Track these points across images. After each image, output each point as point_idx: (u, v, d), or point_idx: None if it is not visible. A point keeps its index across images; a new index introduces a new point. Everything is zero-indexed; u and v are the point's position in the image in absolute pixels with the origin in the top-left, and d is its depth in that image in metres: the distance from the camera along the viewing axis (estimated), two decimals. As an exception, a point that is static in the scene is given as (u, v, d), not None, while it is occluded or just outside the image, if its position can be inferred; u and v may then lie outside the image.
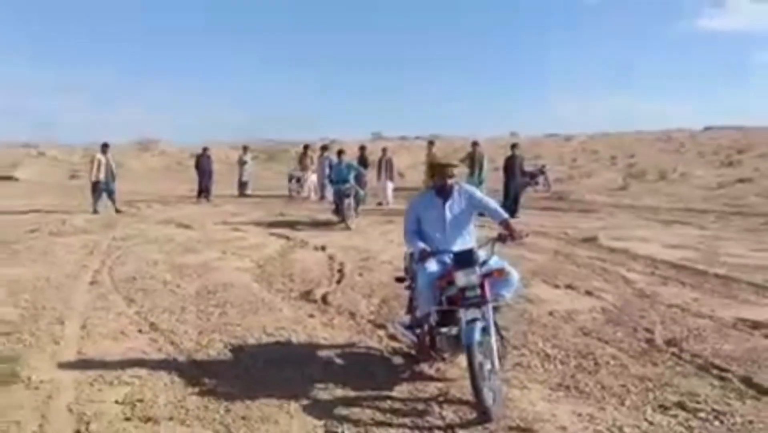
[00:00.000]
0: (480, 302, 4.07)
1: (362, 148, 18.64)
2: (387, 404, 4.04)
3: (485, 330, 3.97)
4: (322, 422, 3.77)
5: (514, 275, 4.36)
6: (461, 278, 4.10)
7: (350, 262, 8.77)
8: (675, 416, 3.84)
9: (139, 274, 8.04)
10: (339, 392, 4.23)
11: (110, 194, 15.52)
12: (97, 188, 15.36)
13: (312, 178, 19.48)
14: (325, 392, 4.22)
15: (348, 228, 12.26)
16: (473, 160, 15.41)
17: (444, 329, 4.33)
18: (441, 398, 4.10)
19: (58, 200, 18.60)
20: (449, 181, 4.57)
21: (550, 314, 6.13)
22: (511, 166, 14.88)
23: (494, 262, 4.31)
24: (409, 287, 4.88)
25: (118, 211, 15.19)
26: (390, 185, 17.32)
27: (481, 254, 4.26)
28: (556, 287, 7.29)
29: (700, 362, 4.72)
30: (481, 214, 4.74)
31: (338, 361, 4.96)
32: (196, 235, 11.64)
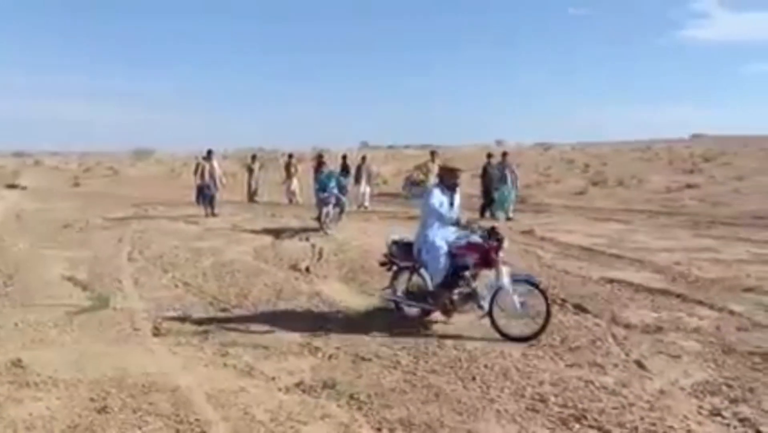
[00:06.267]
0: None
1: (344, 157, 20.96)
2: (339, 316, 6.43)
3: None
4: (300, 327, 6.16)
5: None
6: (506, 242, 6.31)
7: (328, 248, 11.07)
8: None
9: (165, 254, 10.38)
10: (309, 313, 6.64)
11: (211, 199, 16.59)
12: (202, 192, 16.58)
13: (295, 184, 21.59)
14: (301, 311, 6.60)
15: (325, 234, 12.72)
16: (503, 170, 16.75)
17: (458, 289, 6.32)
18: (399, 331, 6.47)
19: (70, 204, 20.83)
20: (457, 181, 6.49)
21: (470, 276, 8.50)
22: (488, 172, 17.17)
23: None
24: (389, 269, 6.58)
25: (214, 215, 16.27)
26: (368, 190, 19.65)
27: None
28: (483, 261, 9.65)
29: (554, 298, 7.11)
30: None
31: (313, 300, 7.33)
32: (201, 229, 13.94)
